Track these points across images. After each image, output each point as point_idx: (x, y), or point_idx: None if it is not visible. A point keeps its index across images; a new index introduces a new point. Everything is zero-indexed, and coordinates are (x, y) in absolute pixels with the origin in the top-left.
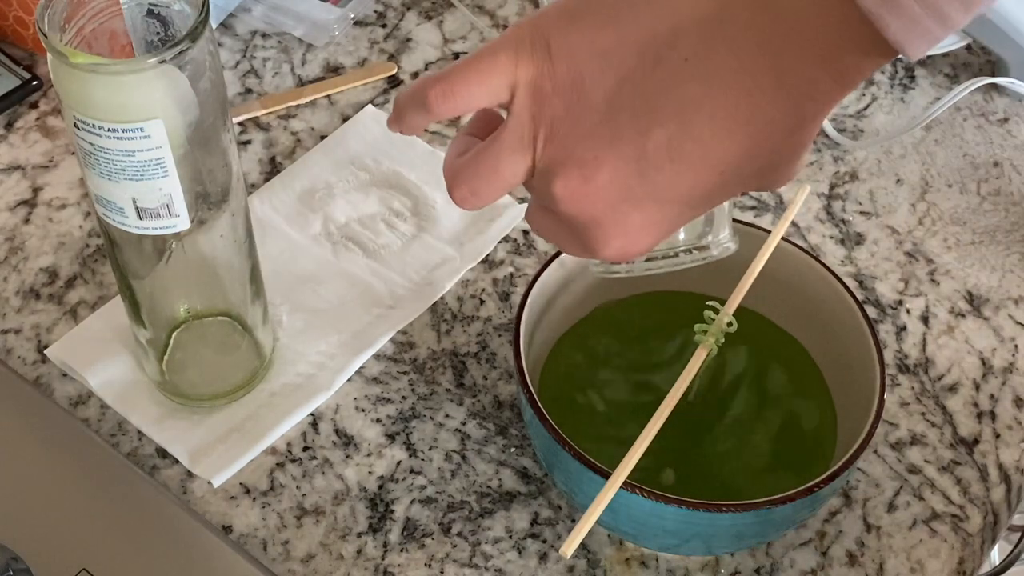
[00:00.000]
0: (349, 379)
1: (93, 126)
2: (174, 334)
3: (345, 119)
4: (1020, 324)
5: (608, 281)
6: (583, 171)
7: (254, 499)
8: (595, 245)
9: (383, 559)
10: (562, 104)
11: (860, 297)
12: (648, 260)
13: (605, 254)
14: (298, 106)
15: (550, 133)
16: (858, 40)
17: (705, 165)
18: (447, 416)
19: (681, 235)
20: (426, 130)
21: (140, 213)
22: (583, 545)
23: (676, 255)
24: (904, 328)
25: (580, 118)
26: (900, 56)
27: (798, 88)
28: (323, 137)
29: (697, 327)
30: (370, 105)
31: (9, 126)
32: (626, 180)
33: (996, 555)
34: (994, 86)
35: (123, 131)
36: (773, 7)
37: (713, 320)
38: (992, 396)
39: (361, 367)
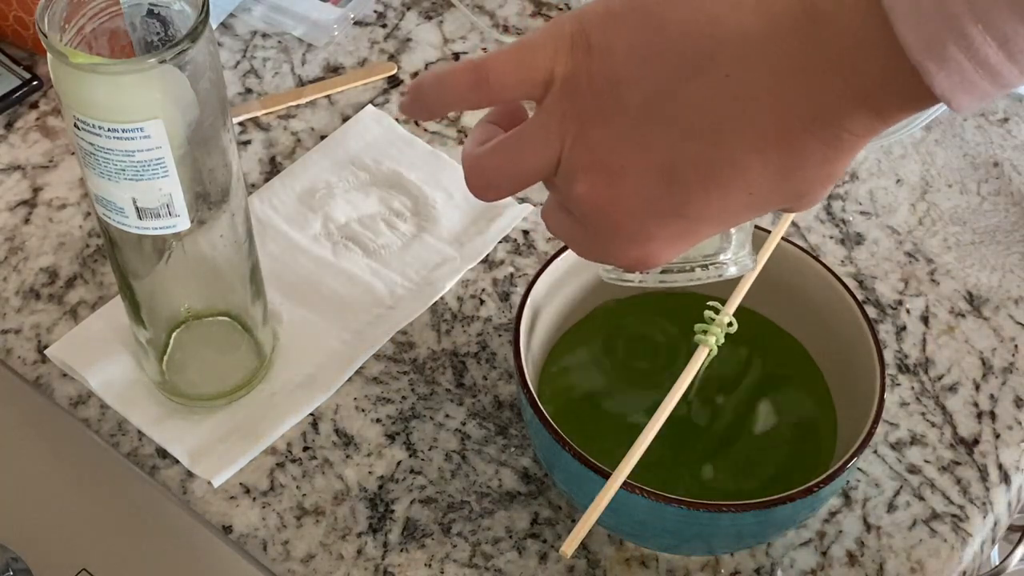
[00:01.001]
0: (349, 379)
1: (93, 126)
2: (174, 334)
3: (345, 119)
4: (1020, 324)
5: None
6: (609, 176)
7: (254, 499)
8: (612, 252)
9: (383, 559)
10: (595, 104)
11: (860, 297)
12: (663, 272)
13: (621, 262)
14: (298, 106)
15: (579, 132)
16: (902, 84)
17: (734, 185)
18: (447, 416)
19: (699, 248)
20: (426, 129)
21: (140, 213)
22: (583, 545)
23: (692, 269)
24: (904, 328)
25: (612, 121)
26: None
27: (837, 120)
28: (323, 137)
29: (697, 327)
30: (370, 105)
31: (9, 126)
32: (652, 191)
33: (996, 555)
34: None
35: (123, 131)
36: (817, 37)
37: (713, 320)
38: (992, 396)
39: (361, 367)
